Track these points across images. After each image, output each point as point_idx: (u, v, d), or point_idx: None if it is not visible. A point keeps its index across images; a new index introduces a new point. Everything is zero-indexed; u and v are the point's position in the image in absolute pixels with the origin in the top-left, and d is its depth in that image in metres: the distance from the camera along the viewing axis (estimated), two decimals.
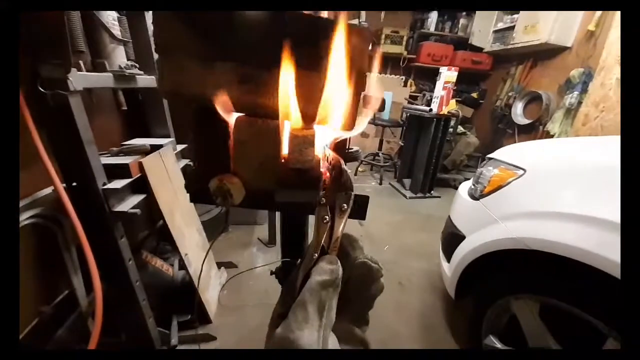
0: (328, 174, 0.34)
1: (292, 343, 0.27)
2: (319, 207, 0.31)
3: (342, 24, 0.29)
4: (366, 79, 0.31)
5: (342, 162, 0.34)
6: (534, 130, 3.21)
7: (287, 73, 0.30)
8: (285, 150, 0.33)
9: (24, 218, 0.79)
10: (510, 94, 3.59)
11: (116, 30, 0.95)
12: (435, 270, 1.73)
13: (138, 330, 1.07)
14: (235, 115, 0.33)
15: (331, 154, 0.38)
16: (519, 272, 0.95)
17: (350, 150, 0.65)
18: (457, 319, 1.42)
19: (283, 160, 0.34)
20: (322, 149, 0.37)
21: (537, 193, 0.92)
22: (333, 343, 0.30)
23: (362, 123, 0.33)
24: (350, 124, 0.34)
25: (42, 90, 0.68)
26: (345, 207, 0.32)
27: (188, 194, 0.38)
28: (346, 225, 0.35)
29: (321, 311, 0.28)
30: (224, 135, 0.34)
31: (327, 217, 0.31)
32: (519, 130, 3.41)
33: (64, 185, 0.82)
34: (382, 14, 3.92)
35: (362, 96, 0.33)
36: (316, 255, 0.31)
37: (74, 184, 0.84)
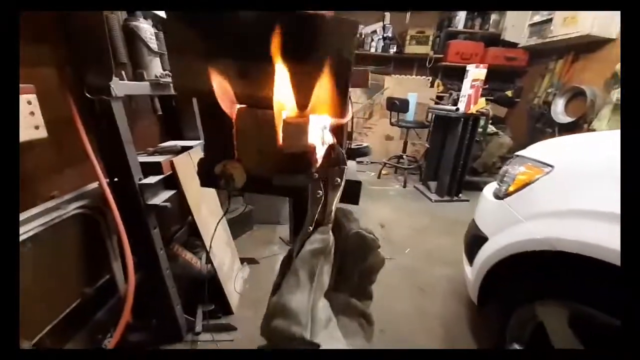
0: (323, 152, 0.35)
1: (282, 307, 0.28)
2: (313, 182, 0.33)
3: (328, 17, 0.32)
4: (351, 68, 0.33)
5: (334, 139, 0.36)
6: (577, 128, 2.93)
7: (280, 66, 0.33)
8: (281, 137, 0.37)
9: (72, 208, 0.91)
10: (549, 90, 3.33)
11: (153, 44, 1.06)
12: (460, 277, 1.65)
13: (167, 315, 1.16)
14: (238, 106, 0.38)
15: (328, 136, 0.40)
16: (544, 276, 0.89)
17: (358, 146, 0.67)
18: (481, 327, 1.35)
19: (279, 146, 0.37)
20: (320, 133, 0.39)
21: (566, 190, 0.86)
22: (324, 306, 0.31)
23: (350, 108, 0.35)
24: (342, 112, 0.36)
25: (88, 96, 0.79)
26: (338, 180, 0.34)
27: (199, 179, 0.43)
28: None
29: (311, 276, 0.30)
30: (228, 125, 0.38)
31: (320, 191, 0.33)
32: (560, 129, 3.14)
33: (107, 180, 0.94)
34: (408, 14, 3.87)
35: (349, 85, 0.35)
36: (311, 228, 0.33)
37: (116, 179, 0.95)
